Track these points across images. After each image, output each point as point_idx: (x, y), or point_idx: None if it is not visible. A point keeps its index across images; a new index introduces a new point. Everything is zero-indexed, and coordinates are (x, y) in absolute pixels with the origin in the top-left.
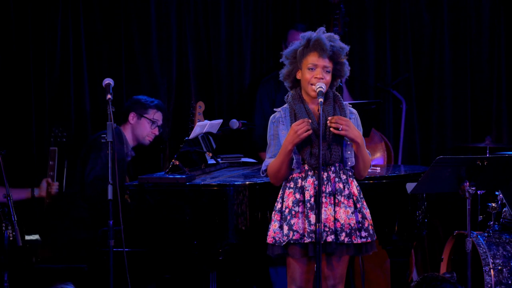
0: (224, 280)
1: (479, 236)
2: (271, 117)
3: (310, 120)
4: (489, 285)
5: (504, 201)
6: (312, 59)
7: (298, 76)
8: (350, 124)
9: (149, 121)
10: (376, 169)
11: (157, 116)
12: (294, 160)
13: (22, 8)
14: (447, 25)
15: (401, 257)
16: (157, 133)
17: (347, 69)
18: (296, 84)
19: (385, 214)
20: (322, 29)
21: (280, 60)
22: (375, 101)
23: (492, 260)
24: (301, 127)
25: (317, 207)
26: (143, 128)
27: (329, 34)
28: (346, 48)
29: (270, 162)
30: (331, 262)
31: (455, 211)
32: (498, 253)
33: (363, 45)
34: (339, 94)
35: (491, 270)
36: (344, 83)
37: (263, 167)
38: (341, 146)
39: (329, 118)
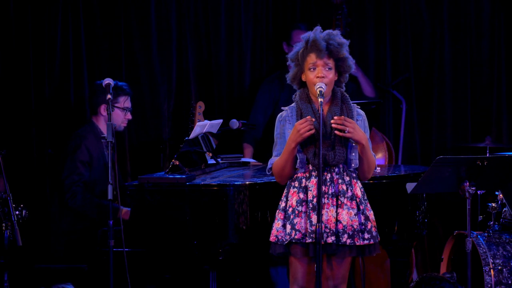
0: (224, 280)
1: (479, 236)
2: (278, 115)
3: (313, 119)
4: (489, 285)
5: (504, 201)
6: (311, 59)
7: (303, 78)
8: (355, 126)
9: (122, 110)
10: (376, 169)
11: (127, 102)
12: (298, 160)
13: (22, 7)
14: (447, 25)
15: (401, 257)
16: (130, 117)
17: (351, 63)
18: (303, 85)
19: (385, 214)
20: (319, 28)
21: (288, 63)
22: (375, 101)
23: (492, 260)
24: (304, 126)
25: (318, 207)
26: (117, 117)
27: (327, 31)
28: (346, 42)
29: (275, 160)
30: (332, 263)
31: (455, 211)
32: (498, 253)
33: (363, 45)
34: (347, 95)
35: (491, 270)
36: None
37: (269, 165)
38: (346, 148)
39: (334, 118)
